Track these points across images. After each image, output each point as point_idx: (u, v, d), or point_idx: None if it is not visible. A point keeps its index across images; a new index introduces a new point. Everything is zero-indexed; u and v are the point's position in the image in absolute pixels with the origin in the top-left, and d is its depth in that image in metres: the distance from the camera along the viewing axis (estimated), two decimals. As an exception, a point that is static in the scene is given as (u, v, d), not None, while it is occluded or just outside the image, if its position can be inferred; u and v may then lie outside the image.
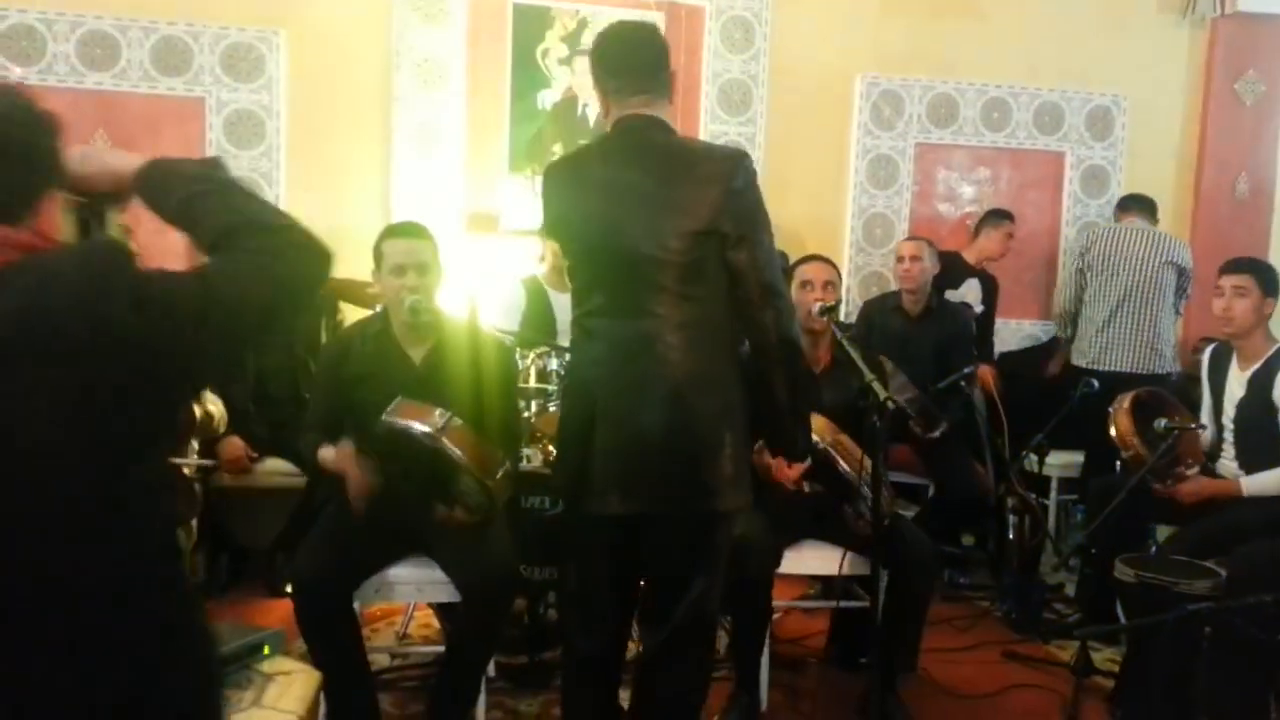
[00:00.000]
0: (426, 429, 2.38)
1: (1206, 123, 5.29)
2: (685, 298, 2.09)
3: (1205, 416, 3.44)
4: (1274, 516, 3.03)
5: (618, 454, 2.12)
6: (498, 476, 2.44)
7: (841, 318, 4.68)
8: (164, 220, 1.39)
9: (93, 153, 1.38)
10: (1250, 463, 3.21)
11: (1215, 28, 5.24)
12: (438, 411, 2.41)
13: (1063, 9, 5.10)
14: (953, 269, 4.67)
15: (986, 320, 4.85)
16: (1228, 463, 3.31)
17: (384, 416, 2.42)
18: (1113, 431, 3.35)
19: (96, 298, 1.16)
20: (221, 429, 3.50)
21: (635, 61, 2.18)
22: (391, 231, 2.76)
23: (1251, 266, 3.29)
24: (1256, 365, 3.22)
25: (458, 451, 2.36)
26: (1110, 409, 3.41)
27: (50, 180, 1.29)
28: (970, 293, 4.72)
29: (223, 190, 1.36)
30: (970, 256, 4.83)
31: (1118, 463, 3.61)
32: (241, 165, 4.41)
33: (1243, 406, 3.24)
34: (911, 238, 4.53)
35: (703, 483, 2.13)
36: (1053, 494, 4.42)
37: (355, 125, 4.52)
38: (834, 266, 3.14)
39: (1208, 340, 4.50)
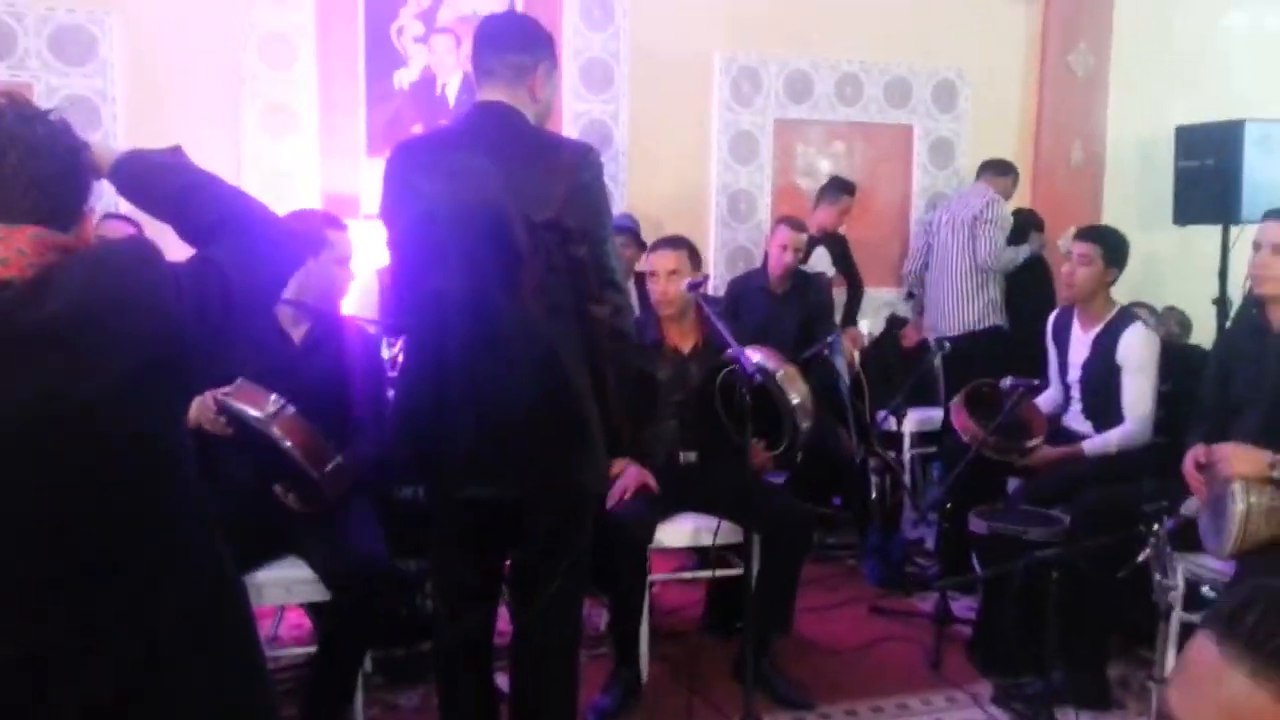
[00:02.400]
0: (257, 414, 2.36)
1: (1042, 94, 5.58)
2: (535, 284, 2.11)
3: (1052, 380, 3.65)
4: (1109, 463, 3.26)
5: (477, 433, 2.13)
6: (326, 469, 2.41)
7: (711, 291, 4.77)
8: (142, 209, 1.55)
9: None
10: (1096, 417, 3.43)
11: (1048, 2, 5.52)
12: (272, 398, 2.38)
13: (908, -17, 5.27)
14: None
15: (851, 280, 4.99)
16: (1075, 417, 3.52)
17: (220, 394, 2.40)
18: (955, 424, 3.52)
19: (144, 288, 1.33)
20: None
21: (497, 49, 2.19)
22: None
23: (1099, 236, 3.44)
24: (1098, 328, 3.41)
25: (286, 441, 2.35)
26: (950, 403, 3.61)
27: (89, 191, 1.44)
28: (819, 262, 4.77)
29: (210, 183, 1.51)
30: (810, 227, 4.80)
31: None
32: (77, 154, 4.17)
33: (1087, 366, 3.44)
34: (794, 224, 4.41)
35: (569, 459, 2.16)
36: (907, 452, 4.62)
37: (200, 108, 4.33)
38: (683, 248, 3.18)
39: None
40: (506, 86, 2.18)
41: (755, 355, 2.79)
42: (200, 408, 2.44)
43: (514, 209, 2.07)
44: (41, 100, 4.10)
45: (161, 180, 1.51)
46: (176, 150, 1.56)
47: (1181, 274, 5.03)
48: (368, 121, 4.57)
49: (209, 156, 4.61)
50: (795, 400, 2.85)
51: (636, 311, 3.46)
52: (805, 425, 2.86)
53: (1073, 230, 3.97)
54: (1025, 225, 5.02)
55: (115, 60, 4.19)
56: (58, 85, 4.14)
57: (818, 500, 4.52)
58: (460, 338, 2.13)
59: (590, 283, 2.14)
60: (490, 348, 2.12)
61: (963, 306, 4.84)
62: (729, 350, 2.81)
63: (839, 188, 5.00)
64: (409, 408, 2.29)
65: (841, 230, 5.02)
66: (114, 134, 4.20)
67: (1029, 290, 4.95)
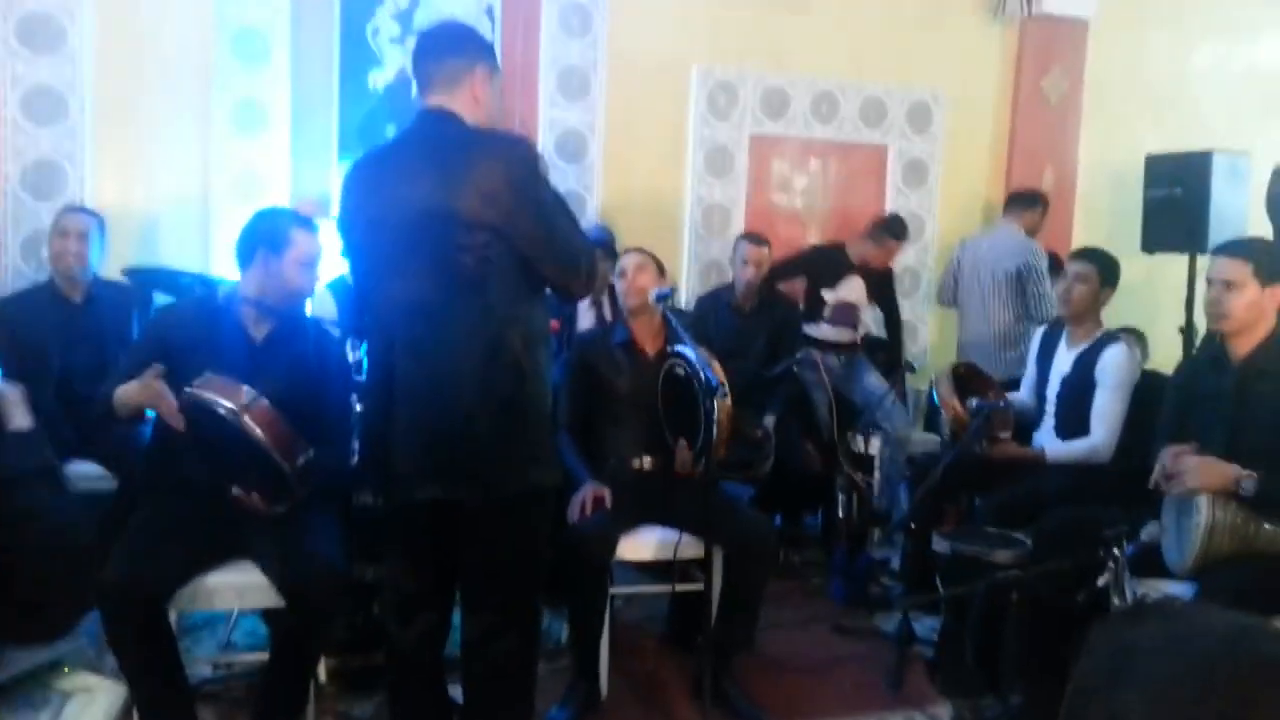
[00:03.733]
0: (230, 405, 2.31)
1: (1015, 118, 5.62)
2: (477, 278, 2.11)
3: (1025, 390, 3.71)
4: (1071, 484, 3.28)
5: (420, 436, 2.15)
6: (298, 463, 2.38)
7: (683, 304, 4.77)
8: None
9: None
10: (1067, 434, 3.47)
11: (1024, 28, 5.57)
12: (245, 389, 2.35)
13: (885, 6, 5.30)
14: (833, 263, 4.55)
15: (889, 315, 4.91)
16: (1046, 433, 3.54)
17: (188, 388, 2.35)
18: (934, 395, 3.58)
19: None
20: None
21: (434, 55, 2.24)
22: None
23: (1096, 257, 3.52)
24: (1085, 345, 3.48)
25: (258, 432, 2.31)
26: (933, 377, 3.63)
27: None
28: (851, 292, 4.39)
29: None
30: (854, 253, 4.68)
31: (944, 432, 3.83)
32: (41, 145, 4.10)
33: (1067, 382, 3.50)
34: (754, 239, 4.38)
35: (513, 459, 2.16)
36: (877, 473, 4.61)
37: (170, 102, 4.26)
38: (648, 254, 3.26)
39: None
40: (445, 91, 2.22)
41: (689, 353, 2.78)
42: (159, 398, 2.40)
43: (450, 212, 2.09)
44: (5, 89, 4.03)
45: None
46: None
47: (1148, 301, 5.07)
48: (340, 122, 4.52)
49: (176, 152, 4.60)
50: (714, 399, 2.77)
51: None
52: (718, 417, 2.74)
53: None
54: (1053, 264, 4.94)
55: (84, 50, 4.11)
56: (24, 74, 4.06)
57: (787, 517, 4.52)
58: (405, 342, 2.16)
59: (545, 272, 2.19)
60: (433, 351, 2.14)
61: (1005, 353, 4.73)
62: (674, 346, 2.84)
63: (886, 230, 4.71)
64: (364, 411, 2.29)
65: (890, 264, 4.87)
66: (82, 125, 4.13)
67: None
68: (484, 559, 2.26)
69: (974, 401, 3.43)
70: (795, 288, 4.77)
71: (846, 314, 4.22)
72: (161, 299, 3.85)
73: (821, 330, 4.20)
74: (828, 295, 4.38)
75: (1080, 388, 3.44)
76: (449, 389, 2.12)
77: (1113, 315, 3.72)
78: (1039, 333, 3.76)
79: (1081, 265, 3.50)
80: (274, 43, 4.37)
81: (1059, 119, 5.66)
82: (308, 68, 4.45)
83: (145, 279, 3.84)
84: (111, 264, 3.90)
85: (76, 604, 1.40)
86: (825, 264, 4.58)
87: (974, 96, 5.57)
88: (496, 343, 2.13)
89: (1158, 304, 5.10)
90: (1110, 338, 3.48)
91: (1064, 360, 3.54)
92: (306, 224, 2.73)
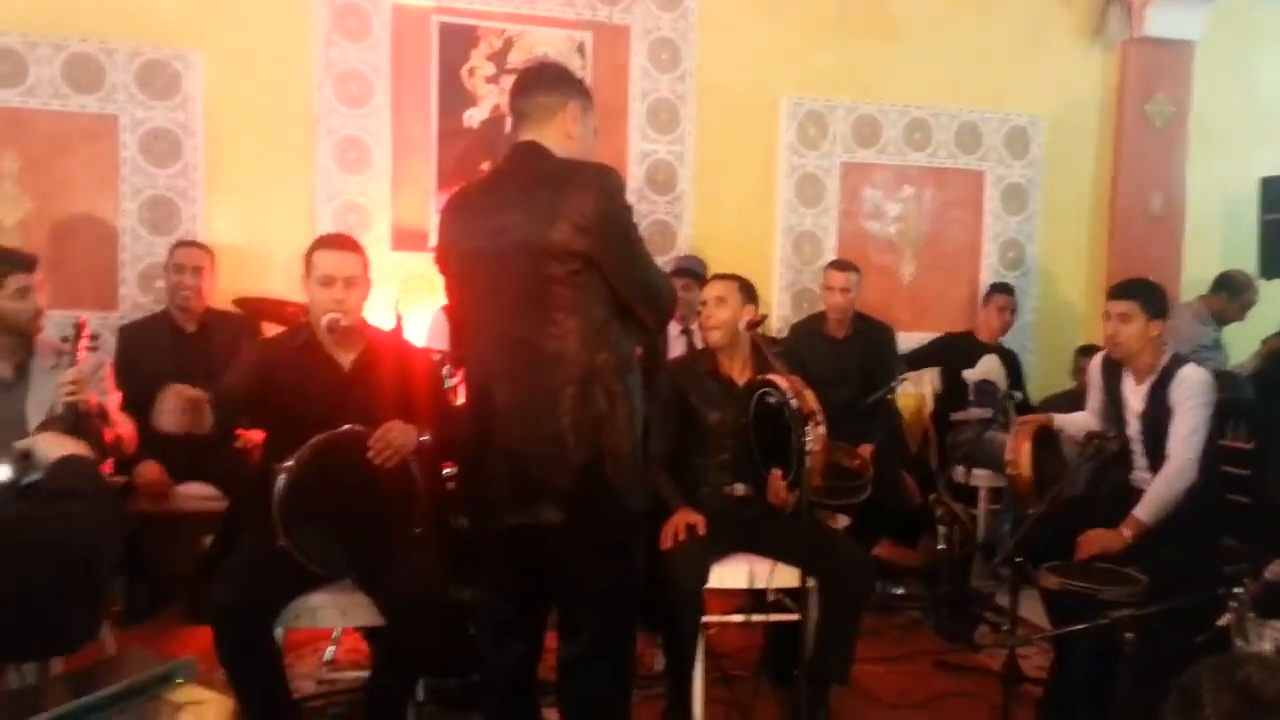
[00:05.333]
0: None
1: (1119, 143, 5.46)
2: (569, 306, 2.15)
3: (1090, 414, 3.46)
4: (1186, 521, 3.10)
5: (513, 462, 2.18)
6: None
7: (774, 332, 4.74)
8: None
9: None
10: (1159, 469, 3.24)
11: (1125, 51, 5.43)
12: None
13: (979, 32, 5.23)
14: (967, 348, 4.75)
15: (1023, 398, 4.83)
16: (1141, 473, 3.36)
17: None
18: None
19: None
20: (132, 450, 3.37)
21: (527, 92, 2.31)
22: (322, 242, 2.76)
23: (1135, 292, 3.25)
24: (1153, 378, 3.24)
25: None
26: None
27: None
28: (990, 371, 4.58)
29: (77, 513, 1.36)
30: (981, 334, 4.92)
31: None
32: (158, 184, 4.31)
33: (1145, 418, 3.27)
34: (840, 266, 4.42)
35: (603, 484, 2.16)
36: (981, 504, 4.49)
37: (277, 143, 4.44)
38: (733, 280, 3.17)
39: (1086, 349, 4.60)
40: (537, 126, 2.28)
41: (782, 382, 2.74)
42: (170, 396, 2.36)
43: (541, 241, 2.13)
44: (124, 133, 4.26)
45: None
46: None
47: (1268, 327, 4.83)
48: (438, 158, 4.65)
49: (283, 190, 4.79)
50: (807, 427, 2.72)
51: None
52: (811, 447, 2.69)
53: None
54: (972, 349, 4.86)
55: (198, 95, 4.32)
56: (143, 118, 4.28)
57: (887, 548, 4.42)
58: (500, 370, 2.21)
59: (624, 296, 2.21)
60: (526, 378, 2.17)
61: None
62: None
63: (994, 288, 5.02)
64: (460, 438, 2.35)
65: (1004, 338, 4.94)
66: (195, 165, 4.33)
67: None
68: (576, 585, 2.25)
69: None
70: (896, 318, 4.84)
71: (987, 392, 4.39)
72: (270, 328, 3.98)
73: (970, 413, 4.38)
74: (968, 375, 4.51)
75: (1161, 419, 3.19)
76: (541, 415, 2.15)
77: (1234, 339, 3.53)
78: (1096, 359, 3.48)
79: (1122, 304, 3.21)
80: (376, 85, 4.53)
81: (1165, 143, 5.47)
82: (407, 107, 4.59)
83: (254, 308, 3.99)
84: (222, 294, 4.06)
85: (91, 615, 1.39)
86: (960, 349, 4.70)
87: (1074, 121, 5.43)
88: (587, 369, 2.15)
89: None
90: (1178, 362, 3.22)
91: (1135, 398, 3.30)
92: (332, 243, 2.73)
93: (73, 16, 4.17)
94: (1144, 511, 3.09)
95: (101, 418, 2.84)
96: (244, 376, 2.70)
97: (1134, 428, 3.33)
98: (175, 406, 2.32)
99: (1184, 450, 3.11)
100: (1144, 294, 3.23)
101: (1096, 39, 5.38)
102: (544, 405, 2.15)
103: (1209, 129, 5.51)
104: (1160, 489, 3.11)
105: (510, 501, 2.19)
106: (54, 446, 1.52)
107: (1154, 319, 3.20)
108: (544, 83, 2.32)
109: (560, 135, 2.28)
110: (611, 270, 2.17)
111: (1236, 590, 2.33)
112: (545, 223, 2.13)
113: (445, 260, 2.36)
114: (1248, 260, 4.73)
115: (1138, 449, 3.34)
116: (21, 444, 1.53)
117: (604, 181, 2.19)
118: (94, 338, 2.94)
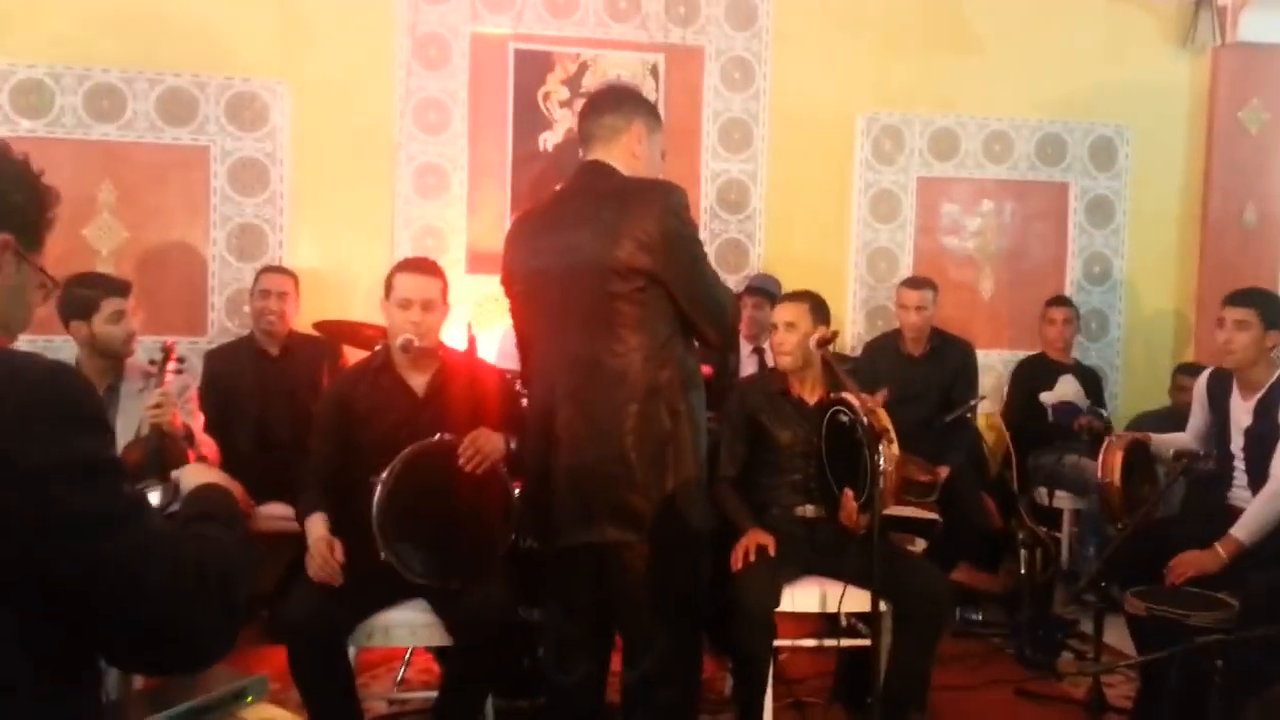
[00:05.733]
0: None
1: (1211, 152, 5.26)
2: (633, 324, 2.16)
3: (1192, 435, 3.37)
4: (1275, 539, 2.95)
5: (578, 480, 2.18)
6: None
7: (849, 350, 4.68)
8: None
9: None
10: (1260, 488, 3.12)
11: (1216, 57, 5.24)
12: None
13: (1061, 41, 5.11)
14: (1041, 370, 4.60)
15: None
16: (1240, 491, 3.23)
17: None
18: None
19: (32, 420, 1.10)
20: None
21: (595, 114, 2.34)
22: (404, 265, 2.83)
23: (1254, 299, 3.20)
24: (1261, 393, 3.15)
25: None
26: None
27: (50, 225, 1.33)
28: (1068, 389, 4.43)
29: (214, 537, 1.40)
30: (1052, 353, 4.71)
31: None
32: (245, 212, 4.47)
33: (1251, 433, 3.16)
34: (914, 284, 4.34)
35: (668, 502, 2.16)
36: (1065, 528, 4.35)
37: (358, 170, 4.57)
38: (804, 301, 3.12)
39: (1187, 367, 4.42)
40: (603, 146, 2.30)
41: (854, 401, 2.69)
42: (322, 565, 2.52)
43: (606, 259, 2.15)
44: (215, 163, 4.43)
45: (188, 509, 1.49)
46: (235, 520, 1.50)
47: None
48: (512, 182, 4.72)
49: (364, 216, 4.90)
50: (879, 446, 2.65)
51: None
52: (884, 466, 2.64)
53: None
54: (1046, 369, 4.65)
55: (284, 125, 4.48)
56: (232, 149, 4.45)
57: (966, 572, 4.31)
58: (565, 389, 2.21)
59: (687, 311, 2.21)
60: (592, 396, 2.18)
61: None
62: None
63: (1050, 301, 4.82)
64: (526, 457, 2.37)
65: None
66: (280, 194, 4.48)
67: None
68: (641, 605, 2.24)
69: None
70: (975, 334, 4.75)
71: (1068, 412, 4.22)
72: (350, 351, 4.08)
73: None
74: (1045, 398, 4.36)
75: (1270, 437, 3.07)
76: (605, 433, 2.16)
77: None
78: (1203, 376, 3.38)
79: (1240, 311, 3.14)
80: (454, 111, 4.63)
81: (1260, 151, 5.26)
82: (484, 132, 4.68)
83: (334, 331, 4.10)
84: (305, 318, 4.18)
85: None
86: (1035, 371, 4.58)
87: (1162, 130, 5.25)
88: (651, 386, 2.16)
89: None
90: None
91: (1242, 413, 3.19)
92: (413, 266, 2.79)
93: (167, 51, 4.36)
94: (1242, 531, 2.97)
95: (187, 439, 2.94)
96: (325, 438, 2.78)
97: (1238, 444, 3.22)
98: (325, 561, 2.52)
99: None
100: (1263, 302, 3.17)
101: (1186, 45, 5.20)
102: (608, 423, 2.16)
103: (1308, 136, 5.28)
104: (1260, 508, 2.99)
105: (574, 520, 2.20)
106: (196, 475, 1.59)
107: (1270, 329, 3.13)
108: (610, 104, 2.35)
109: (626, 155, 2.30)
110: (675, 287, 2.18)
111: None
112: (609, 240, 2.15)
113: (510, 280, 2.40)
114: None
115: (1240, 466, 3.22)
116: (175, 473, 1.63)
117: (668, 199, 2.20)
118: (181, 361, 3.05)
